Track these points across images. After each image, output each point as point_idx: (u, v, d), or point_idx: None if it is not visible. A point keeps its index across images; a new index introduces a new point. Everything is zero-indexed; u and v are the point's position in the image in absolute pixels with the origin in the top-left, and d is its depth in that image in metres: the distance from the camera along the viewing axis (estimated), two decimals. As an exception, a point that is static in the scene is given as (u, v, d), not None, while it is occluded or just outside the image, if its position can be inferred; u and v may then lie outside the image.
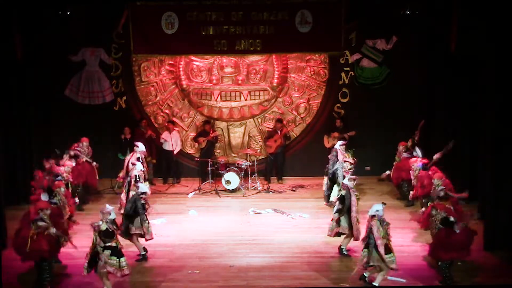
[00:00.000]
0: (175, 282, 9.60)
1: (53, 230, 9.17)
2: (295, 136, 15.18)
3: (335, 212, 10.34)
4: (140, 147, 12.82)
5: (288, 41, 13.80)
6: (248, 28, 13.74)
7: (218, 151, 15.16)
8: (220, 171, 14.22)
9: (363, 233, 9.67)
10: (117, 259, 8.93)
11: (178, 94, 15.09)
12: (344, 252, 10.45)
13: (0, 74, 12.11)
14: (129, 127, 14.24)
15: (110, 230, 8.93)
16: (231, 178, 13.93)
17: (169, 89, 15.05)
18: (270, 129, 14.90)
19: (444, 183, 10.44)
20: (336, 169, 12.09)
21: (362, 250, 9.25)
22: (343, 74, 14.80)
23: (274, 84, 14.96)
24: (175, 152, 14.46)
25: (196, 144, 14.85)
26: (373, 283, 9.27)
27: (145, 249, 10.40)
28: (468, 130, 12.75)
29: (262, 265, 10.12)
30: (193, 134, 15.04)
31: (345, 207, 10.16)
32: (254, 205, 13.09)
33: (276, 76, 14.91)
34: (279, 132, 14.49)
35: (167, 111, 15.11)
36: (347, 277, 9.70)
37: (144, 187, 10.64)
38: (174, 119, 15.01)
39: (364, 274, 9.39)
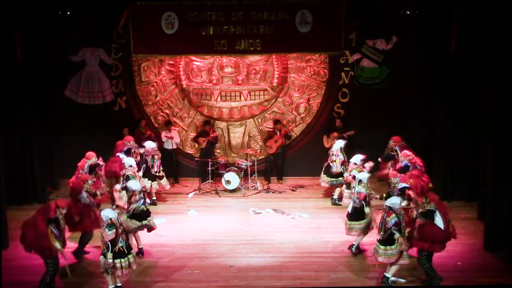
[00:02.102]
0: (175, 282, 9.60)
1: (57, 245, 9.06)
2: (295, 136, 15.19)
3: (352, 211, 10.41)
4: (148, 144, 12.88)
5: (288, 41, 13.79)
6: (248, 28, 13.73)
7: (218, 151, 15.17)
8: (220, 171, 14.22)
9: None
10: (120, 260, 8.89)
11: (178, 94, 15.10)
12: (355, 250, 10.44)
13: (0, 74, 12.11)
14: (129, 127, 14.21)
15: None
16: (231, 178, 13.94)
17: (169, 89, 15.06)
18: (270, 130, 14.90)
19: (402, 179, 10.28)
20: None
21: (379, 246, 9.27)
22: (343, 74, 14.80)
23: (274, 84, 14.97)
24: (176, 142, 14.40)
25: (196, 144, 14.85)
26: (385, 274, 9.24)
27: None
28: (468, 130, 12.75)
29: (262, 265, 10.12)
30: (193, 134, 15.05)
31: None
32: (254, 205, 13.10)
33: (276, 76, 14.91)
34: (278, 132, 14.49)
35: (167, 111, 15.12)
36: (351, 278, 9.71)
37: (134, 184, 10.48)
38: (174, 119, 15.01)
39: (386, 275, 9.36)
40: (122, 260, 8.92)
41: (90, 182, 10.55)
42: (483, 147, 11.34)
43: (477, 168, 12.25)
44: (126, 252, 9.01)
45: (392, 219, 9.04)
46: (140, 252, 10.45)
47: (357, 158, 11.76)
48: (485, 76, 11.06)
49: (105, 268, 8.86)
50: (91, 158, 11.66)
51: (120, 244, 8.91)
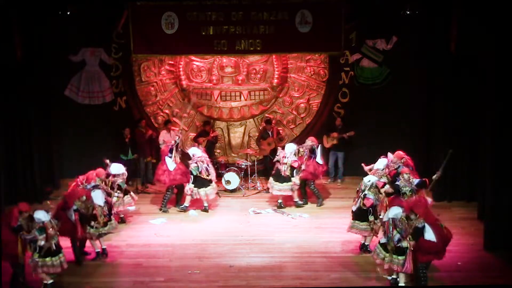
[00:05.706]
0: (175, 282, 9.61)
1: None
2: (295, 136, 15.19)
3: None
4: (193, 151, 12.81)
5: (288, 41, 13.80)
6: (248, 28, 13.74)
7: (218, 151, 15.17)
8: (220, 171, 14.22)
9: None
10: (51, 258, 9.05)
11: (178, 94, 15.10)
12: (367, 249, 10.41)
13: (0, 74, 12.11)
14: (129, 127, 14.21)
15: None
16: (231, 178, 13.94)
17: (169, 89, 15.06)
18: (261, 129, 14.86)
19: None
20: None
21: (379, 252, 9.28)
22: (343, 74, 14.79)
23: (274, 84, 14.97)
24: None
25: (196, 144, 14.83)
26: (399, 284, 9.21)
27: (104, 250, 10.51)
28: (468, 130, 12.75)
29: (262, 265, 10.13)
30: (193, 134, 15.05)
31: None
32: (254, 205, 13.10)
33: (276, 76, 14.91)
34: (270, 133, 14.46)
35: (167, 111, 15.12)
36: (351, 278, 9.71)
37: (98, 196, 10.34)
38: (174, 119, 15.00)
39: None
40: (54, 258, 9.08)
41: (84, 198, 10.10)
42: (483, 147, 11.34)
43: (477, 168, 12.25)
44: (58, 251, 9.14)
45: (395, 236, 8.98)
46: (104, 253, 10.42)
47: (381, 162, 11.30)
48: (485, 76, 11.06)
49: (34, 268, 9.01)
50: (99, 176, 11.07)
51: (53, 245, 9.04)
